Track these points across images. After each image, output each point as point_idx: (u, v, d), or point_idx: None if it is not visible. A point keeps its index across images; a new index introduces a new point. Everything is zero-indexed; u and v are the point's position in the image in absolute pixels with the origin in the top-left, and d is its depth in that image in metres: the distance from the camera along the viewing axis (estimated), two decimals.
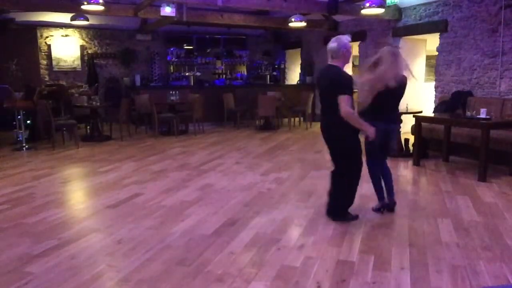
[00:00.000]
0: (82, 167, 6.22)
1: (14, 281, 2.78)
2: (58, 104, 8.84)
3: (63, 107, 8.90)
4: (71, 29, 10.93)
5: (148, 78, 11.62)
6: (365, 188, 4.50)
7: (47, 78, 10.82)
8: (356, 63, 10.42)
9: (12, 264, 3.03)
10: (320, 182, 5.22)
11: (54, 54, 10.88)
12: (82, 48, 11.20)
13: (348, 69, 10.39)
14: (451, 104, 6.80)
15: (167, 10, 7.08)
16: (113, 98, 10.03)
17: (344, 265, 3.00)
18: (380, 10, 7.46)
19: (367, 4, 7.13)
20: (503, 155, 5.66)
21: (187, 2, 7.59)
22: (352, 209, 3.94)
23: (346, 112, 3.49)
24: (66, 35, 10.96)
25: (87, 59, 11.18)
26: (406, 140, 6.86)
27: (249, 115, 10.25)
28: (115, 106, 8.67)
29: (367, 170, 4.05)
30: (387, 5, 7.66)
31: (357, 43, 9.78)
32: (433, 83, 8.03)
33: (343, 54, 3.58)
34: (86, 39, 11.24)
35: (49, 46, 10.82)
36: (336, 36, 3.64)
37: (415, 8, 8.16)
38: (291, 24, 8.56)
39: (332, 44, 3.60)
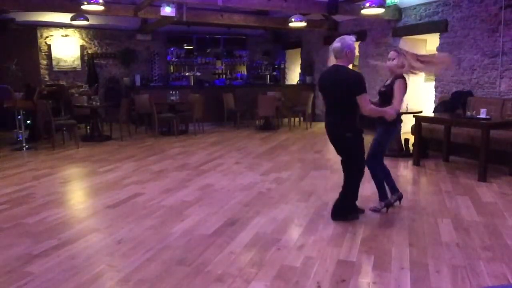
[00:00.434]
0: (82, 167, 6.22)
1: (14, 281, 2.78)
2: (58, 104, 8.84)
3: (63, 107, 8.90)
4: (71, 29, 10.93)
5: (148, 78, 11.62)
6: (365, 188, 4.51)
7: (47, 78, 10.83)
8: (356, 63, 10.42)
9: (12, 264, 3.03)
10: (320, 182, 5.23)
11: (54, 54, 10.88)
12: (82, 48, 11.21)
13: None
14: (451, 104, 6.80)
15: (167, 10, 7.08)
16: (113, 98, 10.04)
17: (344, 265, 3.00)
18: (380, 10, 7.46)
19: (367, 4, 7.12)
20: (503, 155, 5.66)
21: (187, 2, 7.60)
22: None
23: (370, 110, 3.63)
24: (66, 35, 10.97)
25: (87, 59, 11.18)
26: (406, 140, 6.86)
27: (249, 115, 10.25)
28: (115, 106, 8.67)
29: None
30: (387, 5, 7.67)
31: (357, 43, 9.78)
32: (433, 83, 8.03)
33: (346, 54, 3.57)
34: (86, 39, 11.24)
35: (49, 46, 10.83)
36: (341, 36, 3.63)
37: (415, 8, 8.16)
38: (291, 24, 8.56)
39: (336, 44, 3.59)
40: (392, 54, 4.02)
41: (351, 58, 3.64)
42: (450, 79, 7.46)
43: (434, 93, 7.91)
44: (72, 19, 8.11)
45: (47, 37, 10.80)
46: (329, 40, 10.52)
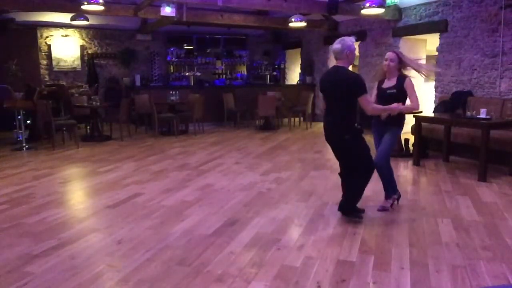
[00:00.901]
0: (82, 167, 6.22)
1: (14, 281, 2.78)
2: (58, 104, 8.84)
3: (63, 107, 8.90)
4: (71, 29, 10.94)
5: (148, 78, 11.63)
6: (365, 188, 4.49)
7: (47, 78, 10.83)
8: (356, 63, 10.42)
9: (12, 264, 3.03)
10: (320, 182, 5.23)
11: (54, 54, 10.88)
12: (82, 48, 11.21)
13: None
14: (451, 104, 6.80)
15: (167, 10, 7.08)
16: (113, 98, 10.04)
17: (344, 265, 3.00)
18: (380, 10, 7.46)
19: (367, 4, 7.12)
20: (503, 155, 5.66)
21: (187, 2, 7.60)
22: None
23: (373, 109, 3.71)
24: (66, 35, 10.97)
25: (87, 59, 11.18)
26: (406, 140, 6.86)
27: (249, 115, 10.25)
28: (115, 106, 8.67)
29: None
30: (387, 5, 7.66)
31: (357, 43, 9.78)
32: (433, 83, 8.03)
33: (347, 55, 3.59)
34: (86, 39, 11.24)
35: (49, 46, 10.83)
36: (341, 37, 3.66)
37: (415, 8, 8.16)
38: (291, 24, 8.55)
39: (336, 45, 3.61)
40: (390, 55, 4.04)
41: (351, 59, 3.67)
42: (450, 79, 7.46)
43: (434, 93, 7.91)
44: (72, 19, 8.12)
45: (47, 37, 10.80)
46: (329, 40, 10.56)
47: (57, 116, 8.19)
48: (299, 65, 12.43)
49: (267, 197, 4.63)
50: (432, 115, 6.75)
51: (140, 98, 9.21)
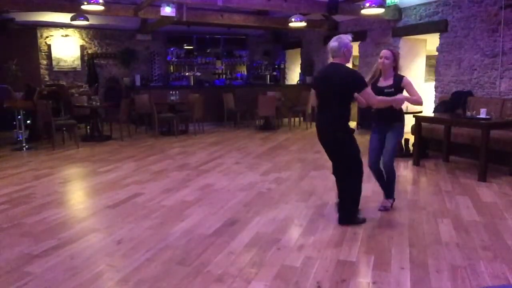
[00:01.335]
0: (82, 167, 6.22)
1: (14, 281, 2.78)
2: (58, 104, 8.83)
3: (63, 107, 8.90)
4: (71, 29, 10.93)
5: (148, 78, 11.63)
6: (365, 188, 4.48)
7: (47, 78, 10.83)
8: (356, 63, 10.43)
9: (12, 264, 3.03)
10: (320, 182, 5.23)
11: (54, 54, 10.88)
12: (82, 48, 11.21)
13: None
14: (451, 104, 6.80)
15: (167, 10, 7.08)
16: (113, 98, 10.03)
17: (344, 265, 3.00)
18: (380, 10, 7.46)
19: (367, 4, 7.12)
20: (503, 155, 5.66)
21: (187, 2, 7.59)
22: None
23: (379, 101, 3.69)
24: (66, 35, 10.97)
25: (87, 59, 11.18)
26: (406, 140, 6.85)
27: (249, 115, 10.25)
28: (115, 106, 8.67)
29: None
30: (387, 5, 7.66)
31: (357, 43, 9.78)
32: (433, 83, 8.03)
33: (344, 53, 3.56)
34: (86, 39, 11.24)
35: (49, 46, 10.83)
36: (338, 35, 3.63)
37: (415, 8, 8.16)
38: (291, 24, 8.55)
39: (333, 43, 3.58)
40: (385, 52, 4.01)
41: (348, 57, 3.62)
42: (450, 79, 7.46)
43: (434, 93, 7.90)
44: (72, 19, 8.12)
45: (47, 37, 10.80)
46: (329, 40, 10.50)
47: (57, 116, 8.19)
48: (299, 65, 12.43)
49: (267, 197, 4.63)
50: (432, 115, 6.74)
51: (140, 98, 9.21)
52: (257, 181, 5.28)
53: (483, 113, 5.43)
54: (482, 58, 6.81)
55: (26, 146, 7.46)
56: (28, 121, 8.07)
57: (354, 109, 10.49)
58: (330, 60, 3.68)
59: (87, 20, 8.21)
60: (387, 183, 4.16)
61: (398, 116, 4.01)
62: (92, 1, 6.66)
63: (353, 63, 10.66)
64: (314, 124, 10.35)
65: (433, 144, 6.81)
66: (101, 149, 7.56)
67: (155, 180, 5.37)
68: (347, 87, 3.55)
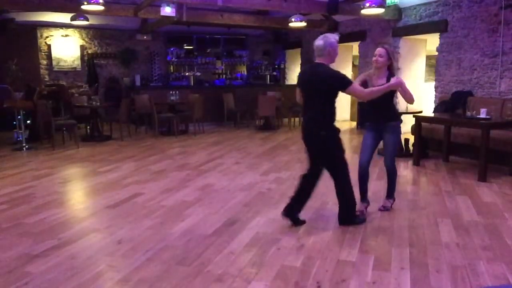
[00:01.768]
0: (82, 167, 6.22)
1: (14, 281, 2.78)
2: (58, 104, 8.83)
3: (63, 107, 8.89)
4: (71, 29, 10.94)
5: (148, 78, 11.63)
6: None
7: (47, 78, 10.83)
8: (356, 63, 10.42)
9: (12, 264, 3.03)
10: (320, 182, 5.21)
11: (54, 54, 10.88)
12: (82, 48, 11.21)
13: (348, 69, 10.48)
14: (451, 104, 6.80)
15: (167, 10, 7.08)
16: (113, 98, 10.04)
17: (344, 265, 3.00)
18: (380, 10, 7.45)
19: (367, 4, 7.11)
20: (503, 155, 5.66)
21: (187, 2, 7.59)
22: None
23: (369, 93, 3.60)
24: (66, 35, 10.97)
25: (87, 59, 11.18)
26: (406, 140, 6.85)
27: (249, 115, 10.25)
28: (115, 106, 8.67)
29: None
30: (387, 5, 7.66)
31: (357, 43, 9.78)
32: (433, 83, 8.03)
33: (329, 52, 3.47)
34: (86, 39, 11.24)
35: (49, 46, 10.83)
36: (324, 34, 3.54)
37: (415, 8, 8.16)
38: (291, 24, 8.55)
39: (319, 42, 3.48)
40: (380, 50, 3.97)
41: (333, 57, 3.52)
42: (450, 79, 7.46)
43: (434, 93, 7.91)
44: (72, 19, 8.11)
45: (47, 37, 10.80)
46: None
47: (57, 116, 8.19)
48: (299, 65, 12.41)
49: (267, 197, 4.63)
50: (432, 115, 6.74)
51: (140, 98, 9.21)
52: (257, 181, 5.28)
53: (483, 113, 5.43)
54: (482, 58, 6.81)
55: (26, 146, 7.46)
56: (28, 121, 8.07)
57: (354, 109, 10.59)
58: (315, 59, 3.55)
59: (87, 20, 8.20)
60: (388, 183, 4.16)
61: (392, 115, 3.98)
62: (92, 1, 6.66)
63: (353, 63, 10.67)
64: None
65: (433, 144, 6.80)
66: (101, 149, 7.56)
67: (155, 180, 5.37)
68: (331, 87, 3.47)
